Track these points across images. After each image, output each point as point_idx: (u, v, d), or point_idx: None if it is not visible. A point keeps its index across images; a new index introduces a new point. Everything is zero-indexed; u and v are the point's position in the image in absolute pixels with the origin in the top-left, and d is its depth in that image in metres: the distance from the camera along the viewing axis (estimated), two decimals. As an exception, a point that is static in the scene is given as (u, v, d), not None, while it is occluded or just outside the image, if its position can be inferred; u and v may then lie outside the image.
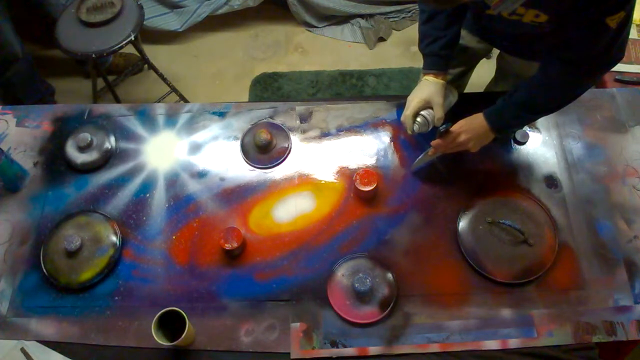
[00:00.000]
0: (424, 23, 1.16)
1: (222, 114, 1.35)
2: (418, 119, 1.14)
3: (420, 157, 1.23)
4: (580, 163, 1.24)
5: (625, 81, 1.44)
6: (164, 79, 2.16)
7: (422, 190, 1.22)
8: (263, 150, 1.27)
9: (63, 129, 1.34)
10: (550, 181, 1.22)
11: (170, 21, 2.45)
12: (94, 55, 1.78)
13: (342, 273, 1.12)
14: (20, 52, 1.97)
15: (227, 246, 1.11)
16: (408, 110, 1.14)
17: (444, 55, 1.15)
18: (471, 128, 1.12)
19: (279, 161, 1.27)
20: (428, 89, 1.14)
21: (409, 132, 1.16)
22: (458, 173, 1.23)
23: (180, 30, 2.45)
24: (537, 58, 1.21)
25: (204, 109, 1.36)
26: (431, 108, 1.14)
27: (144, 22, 1.92)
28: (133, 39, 1.81)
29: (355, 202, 1.21)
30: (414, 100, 1.14)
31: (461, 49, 1.32)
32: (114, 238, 1.17)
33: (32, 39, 2.37)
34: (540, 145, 1.26)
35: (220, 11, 2.45)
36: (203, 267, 1.15)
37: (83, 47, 1.79)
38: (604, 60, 1.01)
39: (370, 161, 1.26)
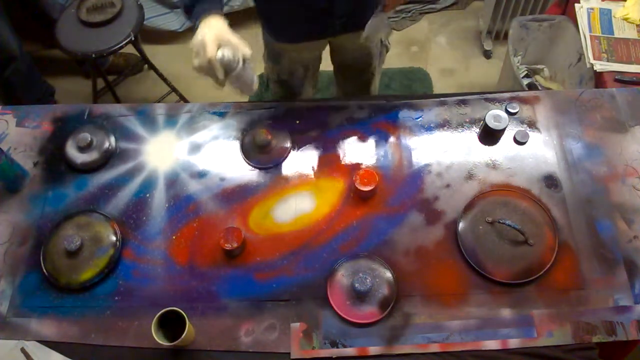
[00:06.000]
0: None
1: (222, 114, 1.35)
2: (222, 55, 0.99)
3: (372, 19, 1.13)
4: (580, 163, 1.24)
5: (625, 81, 1.44)
6: (164, 79, 2.16)
7: (422, 190, 1.22)
8: (263, 150, 1.27)
9: (63, 129, 1.34)
10: (550, 181, 1.22)
11: (170, 21, 2.45)
12: (94, 55, 1.78)
13: (342, 273, 1.11)
14: (18, 50, 1.97)
15: (227, 246, 1.11)
16: (208, 53, 0.97)
17: None
18: None
19: (279, 161, 1.27)
20: (217, 27, 0.99)
21: (220, 77, 1.00)
22: (458, 173, 1.23)
23: (180, 30, 2.45)
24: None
25: (204, 109, 1.36)
26: (227, 46, 1.01)
27: (144, 22, 1.92)
28: (133, 39, 1.81)
29: (355, 202, 1.21)
30: (207, 41, 0.97)
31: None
32: (114, 238, 1.17)
33: (32, 39, 2.37)
34: (540, 145, 1.26)
35: (220, 11, 2.45)
36: (203, 267, 1.15)
37: (83, 47, 1.79)
38: None
39: (370, 161, 1.26)
